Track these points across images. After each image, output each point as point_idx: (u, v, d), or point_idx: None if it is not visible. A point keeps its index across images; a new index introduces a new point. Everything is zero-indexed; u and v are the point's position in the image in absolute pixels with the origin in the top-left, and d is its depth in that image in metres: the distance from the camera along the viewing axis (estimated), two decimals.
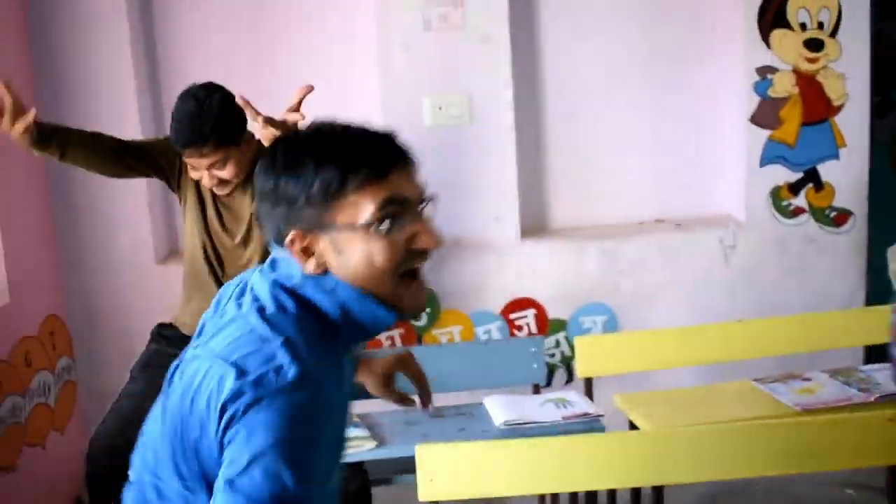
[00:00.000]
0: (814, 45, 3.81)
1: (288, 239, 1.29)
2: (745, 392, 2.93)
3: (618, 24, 3.90)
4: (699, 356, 3.38)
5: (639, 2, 3.90)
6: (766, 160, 3.88)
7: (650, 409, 2.85)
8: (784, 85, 3.83)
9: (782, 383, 2.91)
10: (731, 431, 2.47)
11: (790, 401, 2.76)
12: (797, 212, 3.94)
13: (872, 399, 2.73)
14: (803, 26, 3.79)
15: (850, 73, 3.84)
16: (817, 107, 3.86)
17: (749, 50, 3.78)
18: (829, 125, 3.89)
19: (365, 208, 1.26)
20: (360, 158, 1.27)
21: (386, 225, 1.26)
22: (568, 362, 3.89)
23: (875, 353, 3.68)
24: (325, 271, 1.29)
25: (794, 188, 3.92)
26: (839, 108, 3.87)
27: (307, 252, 1.29)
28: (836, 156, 3.91)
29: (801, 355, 3.57)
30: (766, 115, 3.84)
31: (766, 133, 3.86)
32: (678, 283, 3.91)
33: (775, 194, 3.92)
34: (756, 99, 3.82)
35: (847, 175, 3.93)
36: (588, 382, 3.20)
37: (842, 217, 3.96)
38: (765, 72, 3.80)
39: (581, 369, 3.20)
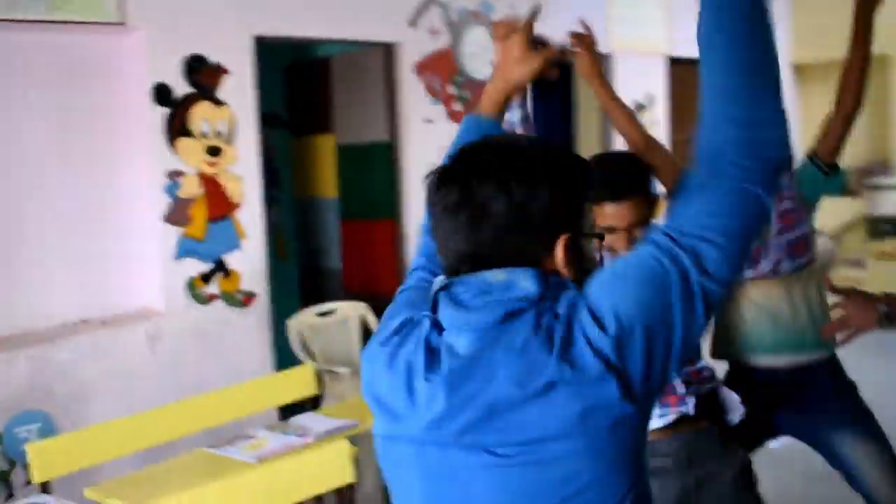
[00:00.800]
0: (214, 151, 4.38)
1: None
2: (203, 458, 3.24)
3: (36, 134, 3.98)
4: (149, 439, 3.59)
5: (56, 114, 4.03)
6: (180, 254, 4.30)
7: (125, 492, 2.99)
8: (191, 187, 4.31)
9: (232, 445, 3.30)
10: (208, 493, 2.79)
11: (246, 456, 3.17)
12: (211, 298, 4.41)
13: (311, 440, 3.28)
14: (204, 135, 4.34)
15: (245, 174, 4.49)
16: (220, 205, 4.43)
17: (159, 156, 4.19)
18: (231, 220, 4.48)
19: None
20: None
21: None
22: (6, 476, 3.74)
23: (288, 411, 4.30)
24: None
25: (206, 277, 4.40)
26: (238, 205, 4.49)
27: None
28: (238, 246, 4.51)
29: (231, 423, 4.00)
30: (177, 213, 4.27)
31: (178, 230, 4.28)
32: (111, 377, 4.06)
33: (190, 284, 4.35)
34: (168, 200, 4.23)
35: (249, 262, 4.55)
36: (45, 486, 3.19)
37: (248, 299, 4.56)
38: (174, 175, 4.24)
39: (38, 475, 3.18)
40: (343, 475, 3.03)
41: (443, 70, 5.47)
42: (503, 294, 1.16)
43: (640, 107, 7.05)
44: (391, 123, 5.35)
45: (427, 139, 5.39)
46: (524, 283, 1.16)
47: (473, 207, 1.17)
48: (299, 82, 5.93)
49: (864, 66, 2.61)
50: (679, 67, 7.51)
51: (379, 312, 4.97)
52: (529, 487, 1.13)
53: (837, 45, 8.27)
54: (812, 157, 2.70)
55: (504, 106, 1.58)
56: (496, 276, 1.17)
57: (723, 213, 1.14)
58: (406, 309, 1.30)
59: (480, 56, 5.69)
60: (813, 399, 2.68)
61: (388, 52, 5.30)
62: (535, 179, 1.18)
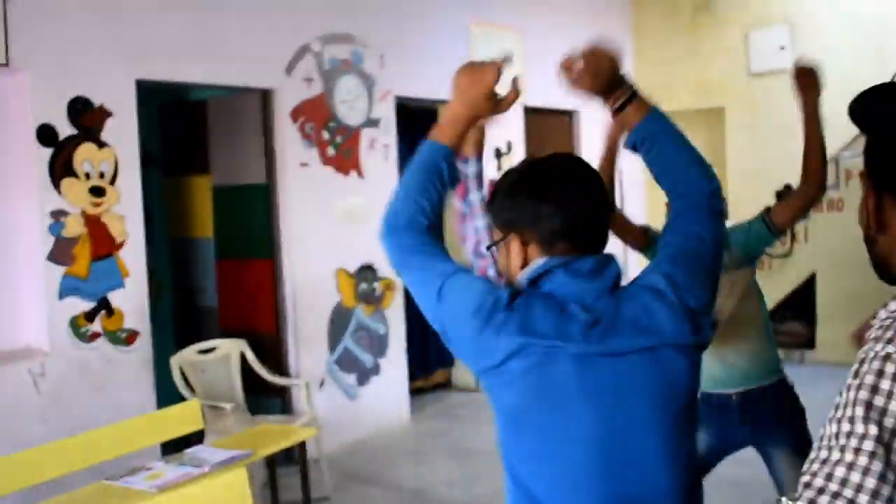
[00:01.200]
0: (97, 191, 4.46)
1: None
2: (104, 490, 3.33)
3: None
4: (36, 476, 3.59)
5: None
6: (64, 293, 4.34)
7: None
8: (75, 226, 4.37)
9: (132, 475, 3.41)
10: None
11: (146, 486, 3.28)
12: (94, 336, 4.46)
13: (207, 469, 3.42)
14: (88, 175, 4.42)
15: (127, 214, 4.59)
16: (104, 244, 4.50)
17: (44, 196, 4.24)
18: (115, 259, 4.55)
19: None
20: None
21: None
22: None
23: (170, 447, 4.38)
24: None
25: (90, 315, 4.45)
26: (122, 244, 4.58)
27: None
28: (122, 284, 4.58)
29: (118, 459, 4.03)
30: (61, 252, 4.32)
31: (62, 269, 4.33)
32: None
33: (74, 323, 4.39)
34: (52, 239, 4.27)
35: (131, 300, 4.62)
36: None
37: (131, 337, 4.62)
38: (58, 215, 4.30)
39: None
40: (242, 500, 3.19)
41: (316, 116, 5.73)
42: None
43: (500, 153, 7.51)
44: (268, 166, 5.55)
45: (302, 182, 5.62)
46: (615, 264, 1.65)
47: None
48: (174, 123, 6.04)
49: (821, 153, 3.05)
50: (532, 117, 8.04)
51: (257, 349, 5.16)
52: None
53: (678, 97, 9.08)
54: (765, 216, 3.05)
55: (462, 139, 1.83)
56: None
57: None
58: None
59: (351, 103, 5.98)
60: (761, 420, 3.04)
61: (264, 97, 5.51)
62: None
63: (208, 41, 5.05)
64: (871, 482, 1.15)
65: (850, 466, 1.15)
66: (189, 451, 3.78)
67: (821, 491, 1.16)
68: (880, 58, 7.53)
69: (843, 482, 1.15)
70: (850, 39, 7.72)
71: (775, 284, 8.03)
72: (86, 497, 3.35)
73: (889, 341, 1.22)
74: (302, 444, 4.24)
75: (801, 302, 7.91)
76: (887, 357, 1.21)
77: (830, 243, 7.42)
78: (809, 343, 7.88)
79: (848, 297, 7.40)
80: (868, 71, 7.51)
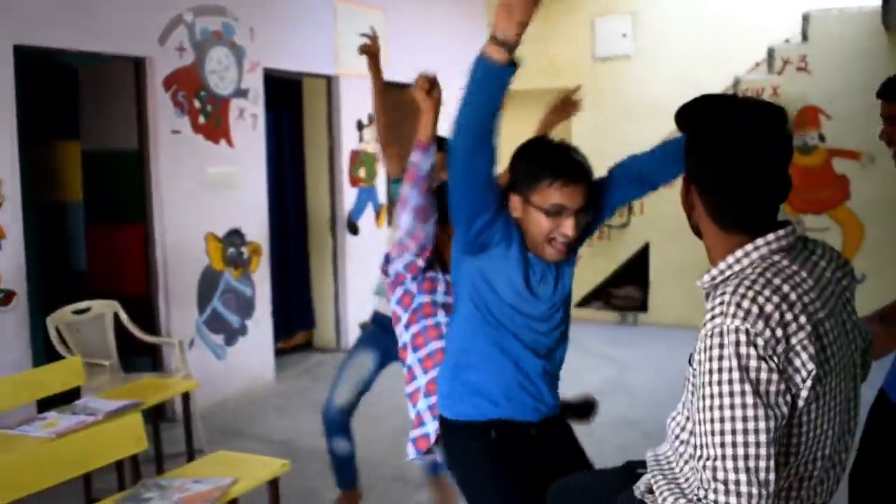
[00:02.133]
0: None
1: None
2: (6, 438, 3.49)
3: None
4: None
5: None
6: None
7: None
8: None
9: (29, 424, 3.60)
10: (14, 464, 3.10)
11: (43, 434, 3.49)
12: None
13: (101, 417, 3.66)
14: None
15: (4, 177, 4.68)
16: None
17: None
18: None
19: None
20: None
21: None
22: None
23: (46, 404, 4.52)
24: None
25: None
26: None
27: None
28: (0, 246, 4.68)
29: None
30: None
31: None
32: None
33: None
34: None
35: (9, 262, 4.72)
36: None
37: (8, 297, 4.73)
38: None
39: None
40: (138, 443, 3.45)
41: (188, 85, 5.90)
42: None
43: (361, 125, 7.86)
44: (140, 133, 5.69)
45: (174, 149, 5.80)
46: None
47: None
48: (40, 88, 6.05)
49: None
50: (394, 91, 8.40)
51: (128, 311, 5.35)
52: None
53: (530, 77, 9.65)
54: None
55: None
56: None
57: None
58: None
59: (221, 73, 6.18)
60: None
61: (137, 65, 5.64)
62: None
63: (85, 8, 5.15)
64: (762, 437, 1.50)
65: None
66: (79, 402, 3.99)
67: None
68: (712, 51, 8.37)
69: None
70: (686, 34, 8.52)
71: (614, 253, 8.80)
72: None
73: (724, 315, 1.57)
74: (186, 397, 4.50)
75: (636, 269, 8.70)
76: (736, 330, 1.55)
77: (663, 216, 8.19)
78: (643, 306, 8.69)
79: (677, 265, 8.23)
80: (701, 63, 8.34)
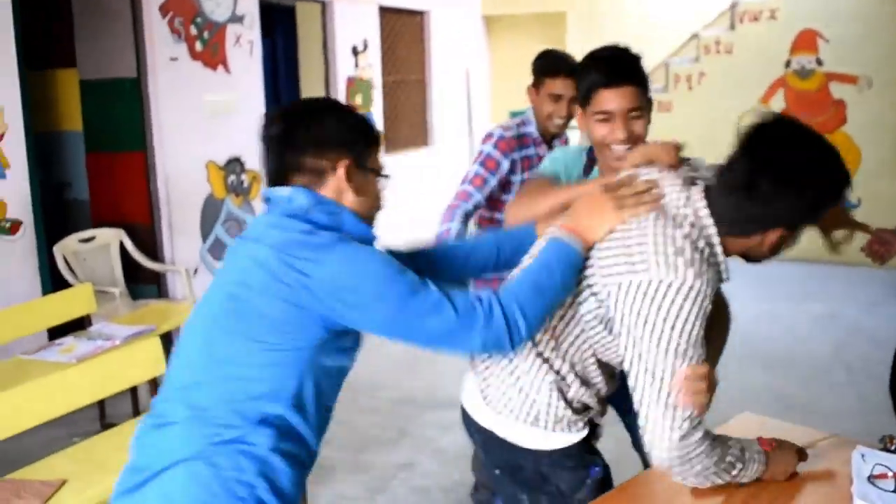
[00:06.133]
0: None
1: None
2: (22, 364, 3.57)
3: None
4: None
5: None
6: None
7: None
8: None
9: (47, 350, 3.66)
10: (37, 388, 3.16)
11: (64, 358, 3.56)
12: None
13: (119, 342, 3.72)
14: None
15: (6, 105, 4.64)
16: None
17: None
18: None
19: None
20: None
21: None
22: None
23: (58, 332, 4.57)
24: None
25: None
26: (1, 136, 4.64)
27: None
28: (3, 175, 4.67)
29: (11, 343, 4.20)
30: None
31: None
32: None
33: None
34: None
35: (14, 191, 4.73)
36: None
37: (15, 226, 4.74)
38: None
39: None
40: (156, 367, 3.52)
41: (184, 11, 5.83)
42: None
43: (356, 51, 7.79)
44: (138, 60, 5.63)
45: (172, 76, 5.75)
46: None
47: None
48: (35, 16, 5.95)
49: None
50: (389, 15, 8.33)
51: (132, 239, 5.34)
52: None
53: (516, 2, 9.63)
54: None
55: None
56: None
57: None
58: None
59: None
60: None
61: None
62: None
63: None
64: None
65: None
66: (93, 327, 4.04)
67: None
68: None
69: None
70: None
71: None
72: (6, 370, 3.56)
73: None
74: None
75: None
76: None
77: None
78: None
79: None
80: None
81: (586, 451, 1.93)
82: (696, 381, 1.65)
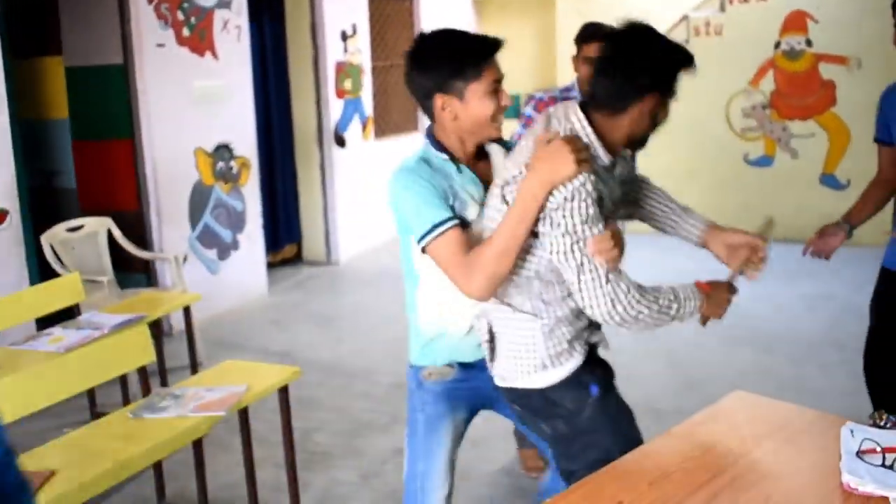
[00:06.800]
0: None
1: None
2: (11, 354, 3.54)
3: None
4: None
5: None
6: None
7: None
8: None
9: (35, 340, 3.64)
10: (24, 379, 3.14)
11: (52, 349, 3.53)
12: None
13: (107, 331, 3.69)
14: None
15: None
16: None
17: None
18: None
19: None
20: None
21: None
22: None
23: (47, 322, 4.54)
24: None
25: None
26: None
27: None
28: None
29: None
30: None
31: None
32: None
33: None
34: None
35: (1, 180, 4.68)
36: None
37: (2, 216, 4.71)
38: None
39: None
40: (145, 355, 3.49)
41: None
42: None
43: (345, 36, 7.73)
44: (125, 47, 5.59)
45: (159, 63, 5.70)
46: None
47: None
48: (19, 4, 5.89)
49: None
50: (378, 1, 8.27)
51: (120, 227, 5.32)
52: None
53: None
54: None
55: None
56: None
57: None
58: None
59: None
60: None
61: None
62: None
63: None
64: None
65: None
66: (82, 317, 4.02)
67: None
68: None
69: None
70: None
71: None
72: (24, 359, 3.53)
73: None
74: (187, 310, 4.54)
75: None
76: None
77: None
78: (629, 215, 8.73)
79: (663, 174, 8.22)
80: None
81: (584, 373, 2.16)
82: (602, 243, 1.96)
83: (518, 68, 9.91)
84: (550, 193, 1.97)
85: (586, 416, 2.15)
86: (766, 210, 7.96)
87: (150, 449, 2.68)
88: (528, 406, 2.23)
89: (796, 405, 2.17)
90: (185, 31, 5.89)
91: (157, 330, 4.69)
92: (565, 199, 1.96)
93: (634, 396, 4.56)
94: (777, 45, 7.89)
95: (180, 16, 5.85)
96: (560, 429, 2.20)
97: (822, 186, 7.88)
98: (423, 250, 2.11)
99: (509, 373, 2.18)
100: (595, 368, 2.22)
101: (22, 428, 3.33)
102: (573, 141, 1.99)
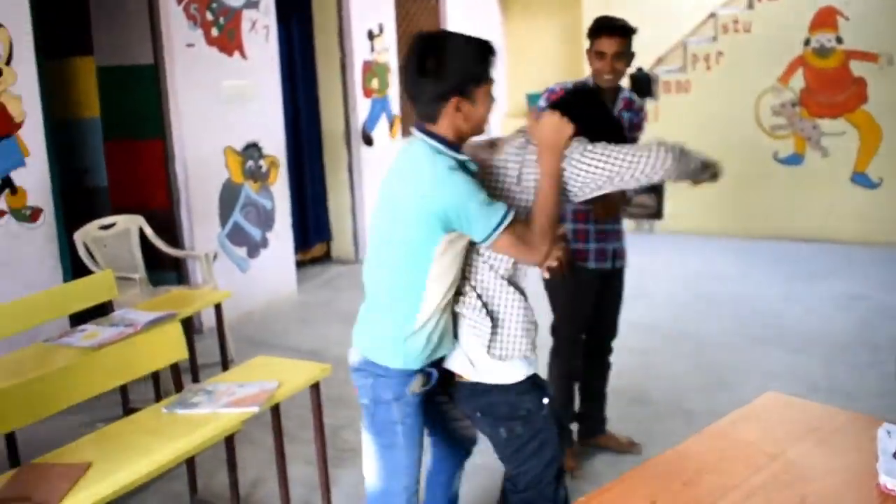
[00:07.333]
0: None
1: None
2: (45, 350, 3.60)
3: None
4: None
5: None
6: None
7: None
8: None
9: (69, 336, 3.69)
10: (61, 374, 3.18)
11: (86, 345, 3.58)
12: (0, 214, 4.58)
13: (140, 328, 3.74)
14: None
15: (24, 94, 4.66)
16: (3, 124, 4.58)
17: None
18: (15, 138, 4.64)
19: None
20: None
21: None
22: None
23: (79, 318, 4.59)
24: None
25: None
26: (20, 124, 4.66)
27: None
28: (23, 163, 4.69)
29: (32, 330, 4.20)
30: None
31: None
32: None
33: None
34: None
35: (34, 178, 4.75)
36: None
37: (35, 214, 4.77)
38: None
39: None
40: (178, 352, 3.53)
41: None
42: None
43: (372, 35, 7.76)
44: (155, 47, 5.64)
45: (189, 62, 5.75)
46: None
47: None
48: (51, 4, 5.96)
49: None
50: (405, 0, 8.29)
51: (151, 225, 5.36)
52: None
53: None
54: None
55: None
56: None
57: None
58: None
59: None
60: None
61: None
62: None
63: None
64: None
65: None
66: (115, 314, 4.06)
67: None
68: None
69: None
70: None
71: None
72: (30, 357, 3.59)
73: None
74: (218, 308, 4.57)
75: None
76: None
77: (678, 122, 8.15)
78: (658, 214, 8.66)
79: None
80: None
81: (538, 378, 2.45)
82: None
83: (544, 65, 9.91)
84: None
85: (543, 415, 2.41)
86: (797, 209, 7.88)
87: (184, 444, 2.71)
88: (489, 411, 2.42)
89: (830, 406, 2.15)
90: (214, 31, 5.94)
91: (189, 327, 4.72)
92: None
93: (664, 396, 4.57)
94: (806, 42, 7.82)
95: (209, 16, 5.89)
96: (517, 431, 2.40)
97: (853, 185, 7.80)
98: (488, 244, 2.23)
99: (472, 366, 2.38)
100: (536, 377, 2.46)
101: (56, 423, 3.39)
102: (552, 113, 2.30)
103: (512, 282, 2.36)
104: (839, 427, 2.03)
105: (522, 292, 2.40)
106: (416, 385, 2.35)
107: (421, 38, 2.26)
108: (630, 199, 3.70)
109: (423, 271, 2.27)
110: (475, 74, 2.22)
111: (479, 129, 2.31)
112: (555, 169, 2.26)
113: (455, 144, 2.27)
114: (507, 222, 2.19)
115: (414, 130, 2.32)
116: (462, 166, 2.22)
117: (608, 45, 3.41)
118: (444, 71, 2.19)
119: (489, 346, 2.34)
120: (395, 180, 2.30)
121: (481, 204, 2.17)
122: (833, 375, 4.73)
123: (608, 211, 3.49)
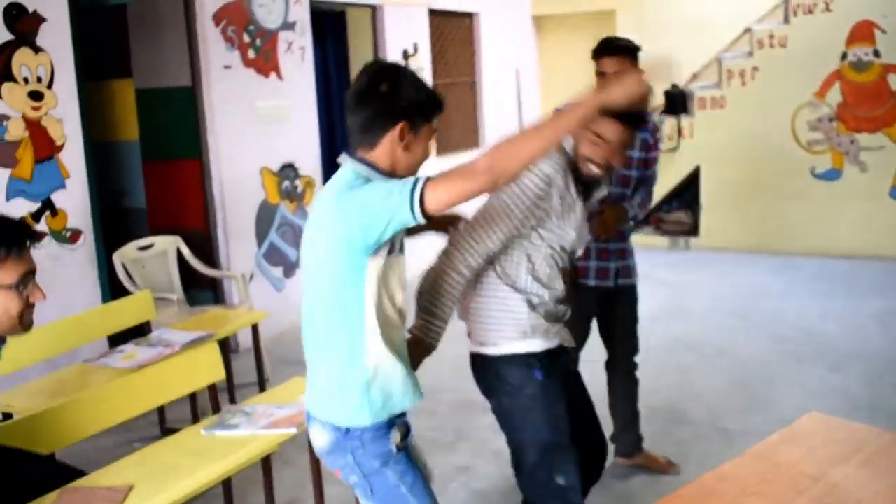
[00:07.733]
0: (35, 95, 4.60)
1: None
2: (86, 370, 3.66)
3: None
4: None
5: None
6: (10, 195, 4.52)
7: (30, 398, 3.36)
8: (17, 130, 4.52)
9: (109, 357, 3.74)
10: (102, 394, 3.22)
11: (126, 364, 3.63)
12: (41, 236, 4.66)
13: (178, 348, 3.78)
14: (26, 80, 4.54)
15: (65, 117, 4.75)
16: (44, 146, 4.67)
17: None
18: (56, 161, 4.73)
19: None
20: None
21: None
22: None
23: (118, 339, 4.65)
24: None
25: (36, 216, 4.64)
26: (61, 147, 4.75)
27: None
28: (63, 185, 4.77)
29: (72, 351, 4.26)
30: (5, 156, 4.47)
31: (7, 172, 4.49)
32: None
33: None
34: None
35: (74, 200, 4.83)
36: None
37: (75, 235, 4.85)
38: (0, 120, 4.43)
39: None
40: (215, 372, 3.56)
41: (237, 19, 5.90)
42: None
43: (407, 55, 7.81)
44: (192, 69, 5.72)
45: (226, 84, 5.83)
46: None
47: None
48: (92, 27, 6.08)
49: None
50: (438, 18, 8.34)
51: (190, 245, 5.42)
52: None
53: (566, 1, 9.63)
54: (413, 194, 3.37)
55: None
56: None
57: None
58: None
59: (269, 6, 6.17)
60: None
61: (186, 1, 5.64)
62: None
63: None
64: None
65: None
66: (153, 334, 4.12)
67: None
68: None
69: None
70: None
71: (663, 177, 8.69)
72: (70, 378, 3.65)
73: None
74: (255, 328, 4.61)
75: (687, 193, 8.62)
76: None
77: (713, 138, 8.10)
78: (694, 230, 8.63)
79: (728, 189, 8.15)
80: None
81: (535, 359, 2.54)
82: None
83: (576, 83, 9.89)
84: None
85: (527, 393, 2.52)
86: (835, 224, 7.78)
87: (223, 465, 2.73)
88: (481, 380, 2.66)
89: (873, 427, 2.11)
90: (251, 53, 6.02)
91: (225, 347, 4.77)
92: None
93: (701, 415, 4.52)
94: (843, 56, 7.74)
95: (246, 38, 5.97)
96: (504, 403, 2.59)
97: (892, 200, 7.68)
98: (420, 209, 1.99)
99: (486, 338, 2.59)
100: (553, 362, 2.57)
101: (93, 443, 3.43)
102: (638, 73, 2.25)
103: (518, 287, 2.54)
104: (882, 448, 2.00)
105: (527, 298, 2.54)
106: (396, 438, 2.22)
107: (376, 63, 2.25)
108: (636, 216, 3.66)
109: (359, 299, 2.10)
110: (424, 108, 2.18)
111: (412, 169, 2.20)
112: (587, 113, 2.13)
113: (386, 174, 2.14)
114: (422, 179, 2.00)
115: (343, 158, 2.18)
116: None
117: (610, 64, 3.53)
118: (397, 94, 2.12)
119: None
120: (311, 229, 2.16)
121: (392, 186, 2.03)
122: (874, 394, 4.65)
123: (608, 229, 3.48)
